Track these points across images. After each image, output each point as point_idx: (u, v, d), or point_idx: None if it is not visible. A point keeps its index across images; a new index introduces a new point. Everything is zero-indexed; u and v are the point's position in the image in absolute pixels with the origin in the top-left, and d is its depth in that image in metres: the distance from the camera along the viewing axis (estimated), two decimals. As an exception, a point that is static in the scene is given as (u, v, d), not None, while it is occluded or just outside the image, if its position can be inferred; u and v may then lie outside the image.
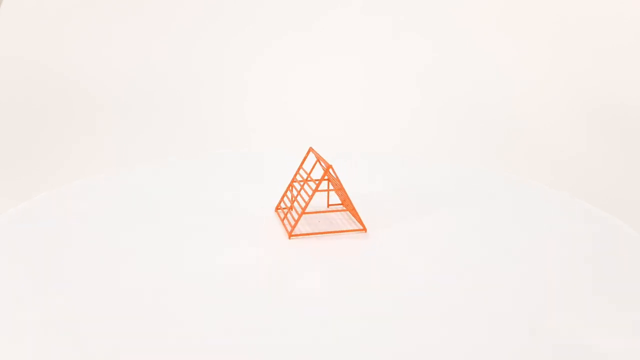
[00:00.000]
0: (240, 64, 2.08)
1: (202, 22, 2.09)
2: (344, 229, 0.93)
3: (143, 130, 1.93)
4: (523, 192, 1.17)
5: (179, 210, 1.01)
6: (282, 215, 0.96)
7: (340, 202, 0.99)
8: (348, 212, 0.98)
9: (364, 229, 0.92)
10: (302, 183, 0.95)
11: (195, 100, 2.03)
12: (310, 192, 0.92)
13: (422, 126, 2.00)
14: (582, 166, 1.83)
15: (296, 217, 0.91)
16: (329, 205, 0.99)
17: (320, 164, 0.94)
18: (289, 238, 0.90)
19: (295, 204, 0.96)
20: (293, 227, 0.90)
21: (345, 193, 0.94)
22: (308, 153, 0.97)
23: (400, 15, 2.10)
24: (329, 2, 2.11)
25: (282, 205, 0.99)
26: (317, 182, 0.91)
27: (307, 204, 0.90)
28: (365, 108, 2.06)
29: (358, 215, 0.93)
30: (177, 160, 1.32)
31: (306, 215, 0.96)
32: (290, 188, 0.96)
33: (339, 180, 0.94)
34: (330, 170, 0.93)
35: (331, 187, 0.97)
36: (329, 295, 0.77)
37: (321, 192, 1.00)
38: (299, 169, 0.97)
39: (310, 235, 0.91)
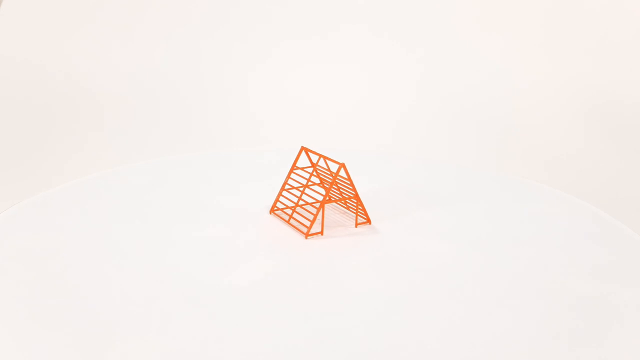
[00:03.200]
0: (244, 68, 2.08)
1: (209, 27, 2.09)
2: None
3: (150, 130, 1.94)
4: (519, 190, 1.18)
5: (181, 209, 1.02)
6: (289, 214, 0.97)
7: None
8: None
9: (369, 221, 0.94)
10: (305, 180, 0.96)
11: (201, 101, 2.04)
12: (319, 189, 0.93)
13: (417, 125, 2.00)
14: (577, 164, 1.84)
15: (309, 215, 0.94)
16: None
17: (320, 162, 0.95)
18: (306, 238, 0.90)
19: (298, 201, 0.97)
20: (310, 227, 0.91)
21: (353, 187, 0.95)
22: (300, 152, 0.97)
23: (400, 15, 2.10)
24: (327, 10, 2.12)
25: (280, 205, 1.00)
26: (329, 176, 0.94)
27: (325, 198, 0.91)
28: (364, 108, 2.07)
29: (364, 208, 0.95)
30: (182, 159, 1.33)
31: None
32: (288, 188, 0.97)
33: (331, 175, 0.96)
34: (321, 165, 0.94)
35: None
36: (325, 295, 0.78)
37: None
38: (292, 169, 0.97)
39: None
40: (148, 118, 1.98)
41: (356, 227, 0.94)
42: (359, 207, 0.94)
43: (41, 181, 1.70)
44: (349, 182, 0.92)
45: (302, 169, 0.98)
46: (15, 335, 0.67)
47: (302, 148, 0.96)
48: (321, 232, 0.91)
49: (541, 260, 0.87)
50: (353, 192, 0.93)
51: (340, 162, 0.91)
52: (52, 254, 0.85)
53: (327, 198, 0.92)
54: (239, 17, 2.10)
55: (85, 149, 1.87)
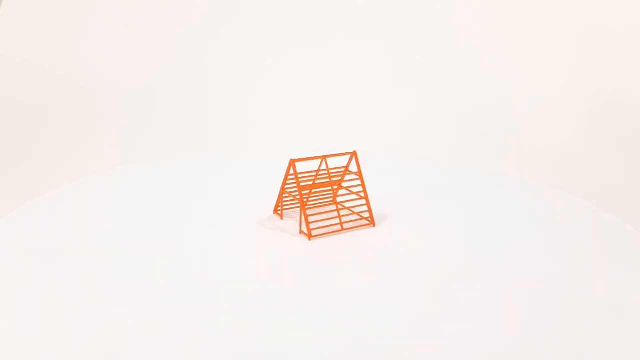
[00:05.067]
0: (248, 70, 2.08)
1: (210, 28, 2.09)
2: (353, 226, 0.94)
3: (144, 131, 1.93)
4: (523, 191, 1.18)
5: (179, 210, 1.02)
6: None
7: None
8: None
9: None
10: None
11: (202, 103, 2.04)
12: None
13: (421, 127, 2.00)
14: (580, 165, 1.84)
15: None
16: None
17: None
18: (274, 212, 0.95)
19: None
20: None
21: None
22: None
23: (398, 17, 2.10)
24: (328, 13, 2.12)
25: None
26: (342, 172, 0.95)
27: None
28: (365, 110, 2.06)
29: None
30: (177, 161, 1.33)
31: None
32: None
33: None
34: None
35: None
36: (332, 293, 0.77)
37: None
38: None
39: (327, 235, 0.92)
40: (148, 119, 1.98)
41: (300, 233, 0.92)
42: (303, 215, 0.93)
43: (41, 181, 1.69)
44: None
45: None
46: (17, 336, 0.67)
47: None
48: (280, 217, 0.97)
49: (545, 261, 0.87)
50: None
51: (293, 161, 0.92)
52: (55, 256, 0.84)
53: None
54: (241, 18, 2.10)
55: (86, 149, 1.87)
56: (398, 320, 0.71)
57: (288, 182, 0.95)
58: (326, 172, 0.96)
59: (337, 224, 0.93)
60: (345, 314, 0.72)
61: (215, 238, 0.91)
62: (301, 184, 0.96)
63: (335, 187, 0.99)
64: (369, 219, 0.95)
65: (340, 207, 0.97)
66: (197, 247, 0.88)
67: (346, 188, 0.98)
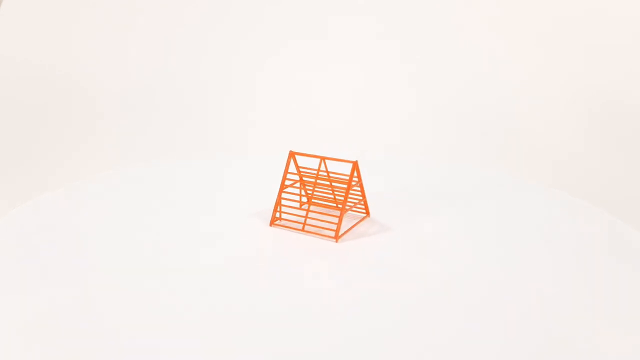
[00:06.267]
0: (246, 71, 2.08)
1: (209, 26, 2.09)
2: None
3: (144, 131, 1.93)
4: (523, 191, 1.18)
5: (179, 210, 1.02)
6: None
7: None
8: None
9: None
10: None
11: (197, 103, 2.03)
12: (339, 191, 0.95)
13: (421, 127, 2.00)
14: (580, 165, 1.84)
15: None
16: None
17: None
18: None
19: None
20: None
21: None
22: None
23: (398, 17, 2.10)
24: (328, 10, 2.12)
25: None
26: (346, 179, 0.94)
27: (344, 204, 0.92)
28: (365, 110, 2.06)
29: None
30: (177, 161, 1.33)
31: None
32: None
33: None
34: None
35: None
36: (332, 294, 0.77)
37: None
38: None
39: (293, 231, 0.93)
40: (148, 119, 1.98)
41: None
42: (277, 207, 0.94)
43: (41, 181, 1.69)
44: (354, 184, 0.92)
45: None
46: (17, 338, 0.66)
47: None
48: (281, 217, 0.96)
49: (545, 261, 0.87)
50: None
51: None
52: (55, 256, 0.84)
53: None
54: (241, 18, 2.10)
55: (86, 149, 1.87)
56: (393, 320, 0.71)
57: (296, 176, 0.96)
58: (325, 172, 0.97)
59: (302, 222, 0.93)
60: (351, 312, 0.72)
61: (215, 238, 0.91)
62: (304, 179, 0.97)
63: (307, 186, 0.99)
64: (335, 231, 0.92)
65: (314, 209, 0.98)
66: (198, 247, 0.88)
67: (333, 193, 0.98)
